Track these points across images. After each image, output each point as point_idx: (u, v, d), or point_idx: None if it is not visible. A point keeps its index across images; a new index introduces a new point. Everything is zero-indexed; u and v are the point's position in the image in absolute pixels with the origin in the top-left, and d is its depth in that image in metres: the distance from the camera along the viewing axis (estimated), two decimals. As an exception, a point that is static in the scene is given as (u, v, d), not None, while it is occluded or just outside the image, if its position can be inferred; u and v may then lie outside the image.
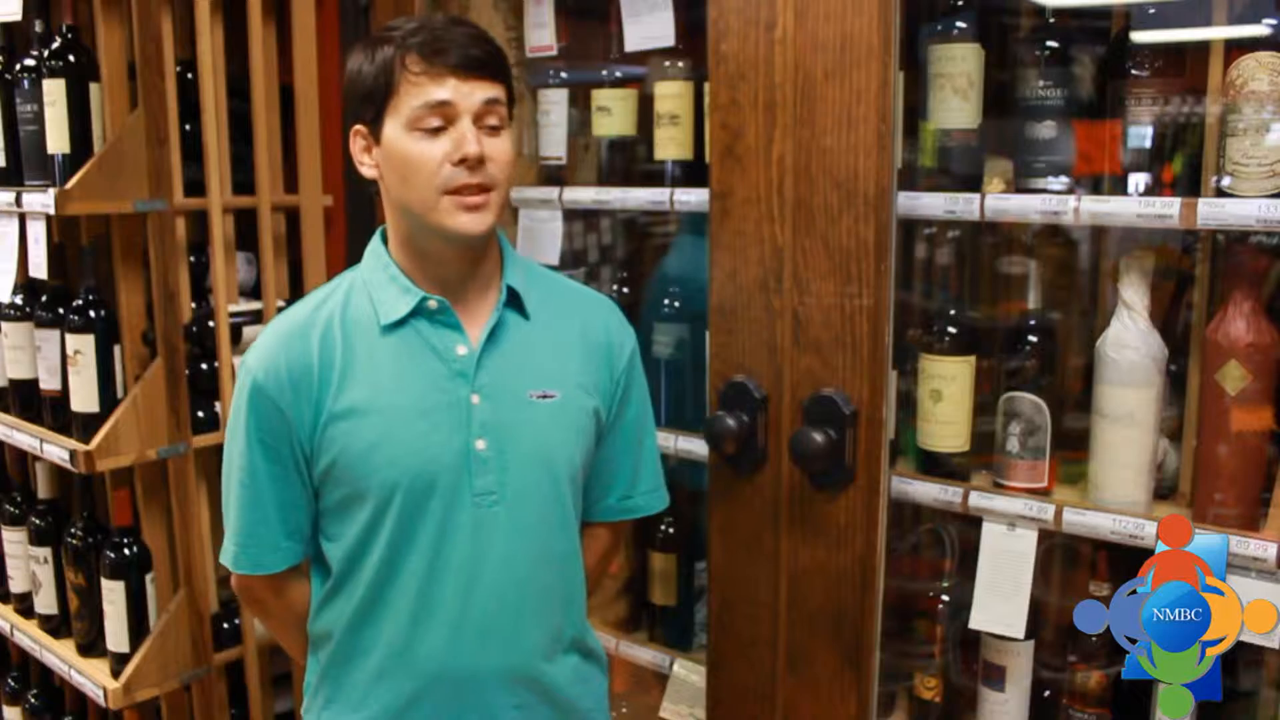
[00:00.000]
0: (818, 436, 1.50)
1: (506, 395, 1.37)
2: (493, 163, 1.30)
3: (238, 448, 1.37)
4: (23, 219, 2.10)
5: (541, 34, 2.03)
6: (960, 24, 1.54)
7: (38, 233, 2.08)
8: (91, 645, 2.24)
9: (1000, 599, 1.53)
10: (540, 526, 1.39)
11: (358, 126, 1.35)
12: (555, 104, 2.00)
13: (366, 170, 1.36)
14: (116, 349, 2.10)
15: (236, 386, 1.37)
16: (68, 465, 2.06)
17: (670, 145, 1.88)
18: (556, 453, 1.39)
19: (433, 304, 1.36)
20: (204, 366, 2.23)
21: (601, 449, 1.49)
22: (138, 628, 2.15)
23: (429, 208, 1.30)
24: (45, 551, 2.33)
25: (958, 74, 1.54)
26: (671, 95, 1.87)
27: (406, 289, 1.36)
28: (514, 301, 1.40)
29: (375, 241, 1.42)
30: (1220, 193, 1.35)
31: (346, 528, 1.37)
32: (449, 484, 1.34)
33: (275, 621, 1.51)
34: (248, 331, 2.27)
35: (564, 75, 2.02)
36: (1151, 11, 1.45)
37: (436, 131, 1.29)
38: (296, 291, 2.41)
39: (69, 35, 2.03)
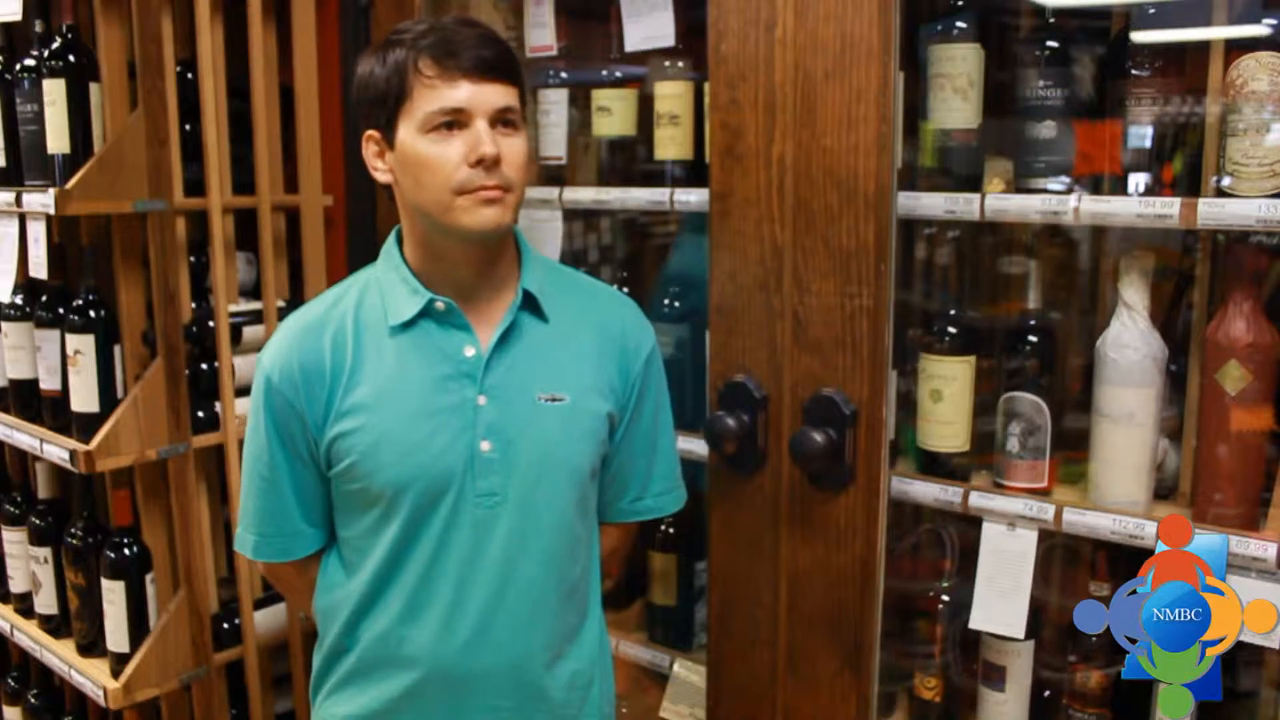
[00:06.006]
0: (818, 436, 1.50)
1: (514, 397, 1.37)
2: (508, 163, 1.30)
3: (257, 442, 1.40)
4: (23, 219, 2.10)
5: (541, 34, 2.03)
6: (960, 24, 1.54)
7: (38, 233, 2.08)
8: (91, 645, 2.24)
9: (1000, 599, 1.53)
10: (544, 530, 1.39)
11: (370, 132, 1.35)
12: (555, 104, 2.00)
13: (381, 175, 1.36)
14: (116, 349, 2.10)
15: (254, 383, 1.40)
16: (68, 465, 2.06)
17: (670, 145, 1.88)
18: (563, 456, 1.39)
19: (440, 305, 1.36)
20: (204, 366, 2.23)
21: (616, 451, 1.48)
22: (138, 628, 2.15)
23: (445, 208, 1.30)
24: (45, 551, 2.33)
25: (958, 74, 1.54)
26: (671, 95, 1.87)
27: (415, 290, 1.36)
28: (530, 304, 1.40)
29: (390, 241, 1.43)
30: (1220, 193, 1.35)
31: (357, 521, 1.40)
32: (454, 485, 1.35)
33: (302, 598, 1.53)
34: (248, 331, 2.27)
35: (564, 75, 2.02)
36: (1151, 11, 1.45)
37: (451, 134, 1.28)
38: (296, 291, 2.41)
39: (69, 35, 2.03)
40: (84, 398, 2.08)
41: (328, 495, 1.43)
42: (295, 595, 1.54)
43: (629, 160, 1.99)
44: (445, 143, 1.28)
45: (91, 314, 2.08)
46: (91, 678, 2.16)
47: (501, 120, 1.30)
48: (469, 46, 1.28)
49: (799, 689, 1.62)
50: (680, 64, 1.88)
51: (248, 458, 1.43)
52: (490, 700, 1.40)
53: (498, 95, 1.30)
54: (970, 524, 1.59)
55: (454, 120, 1.28)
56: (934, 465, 1.62)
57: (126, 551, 2.14)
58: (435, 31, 1.30)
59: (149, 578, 2.17)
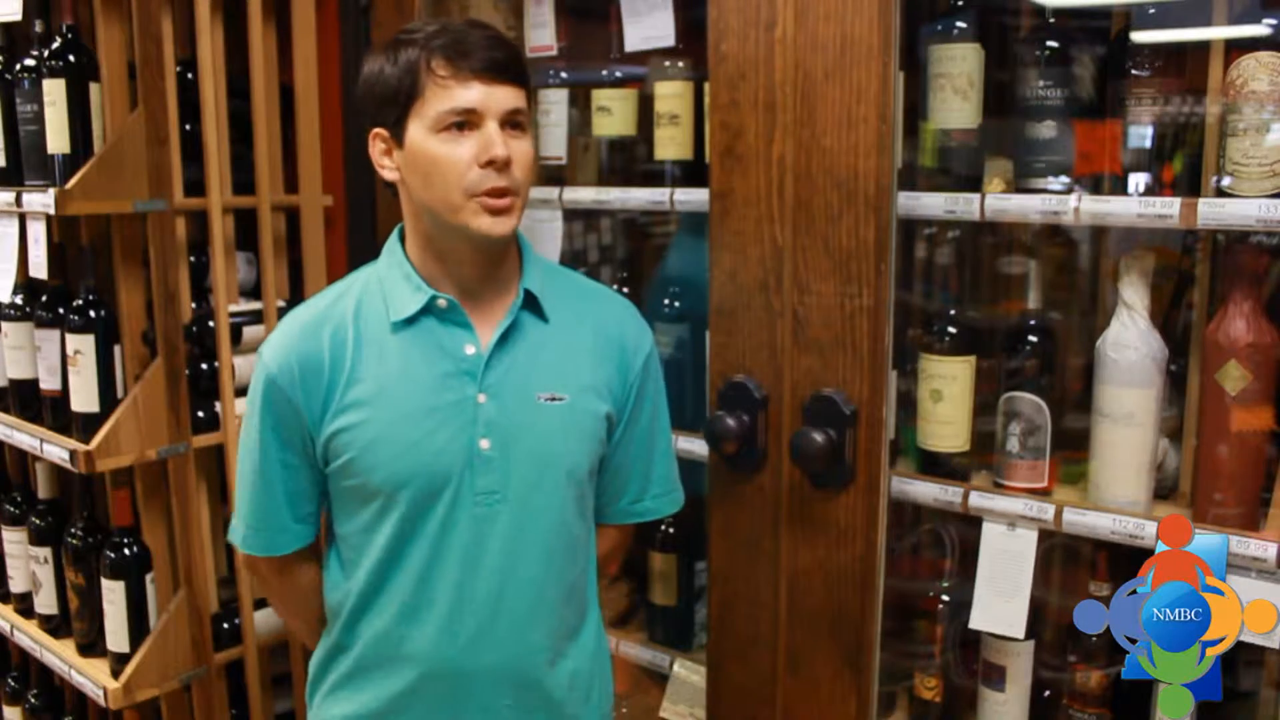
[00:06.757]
0: (818, 436, 1.50)
1: (514, 396, 1.37)
2: (517, 165, 1.31)
3: (253, 437, 1.40)
4: (23, 219, 2.10)
5: (541, 34, 2.03)
6: (960, 24, 1.54)
7: (38, 233, 2.08)
8: (91, 645, 2.24)
9: (1000, 599, 1.53)
10: (542, 528, 1.39)
11: (378, 130, 1.35)
12: (555, 104, 2.01)
13: (387, 173, 1.37)
14: (116, 349, 2.10)
15: (252, 377, 1.40)
16: (68, 465, 2.06)
17: (670, 145, 1.88)
18: (561, 455, 1.39)
19: (442, 303, 1.37)
20: (204, 366, 2.23)
21: (614, 452, 1.48)
22: (138, 628, 2.15)
23: (454, 209, 1.30)
24: (45, 551, 2.33)
25: (958, 74, 1.54)
26: (671, 95, 1.87)
27: (418, 287, 1.37)
28: (531, 304, 1.41)
29: (393, 239, 1.43)
30: (1220, 193, 1.35)
31: (355, 517, 1.40)
32: (453, 483, 1.35)
33: (278, 600, 1.54)
34: (248, 331, 2.27)
35: (564, 75, 2.02)
36: (1151, 11, 1.45)
37: (462, 134, 1.29)
38: (296, 291, 2.41)
39: (69, 35, 2.03)
40: (84, 398, 2.08)
41: (318, 493, 1.43)
42: (271, 595, 1.55)
43: (629, 160, 1.99)
44: (456, 143, 1.29)
45: (91, 314, 2.08)
46: (91, 678, 2.16)
47: (510, 122, 1.32)
48: (481, 47, 1.29)
49: (799, 689, 1.62)
50: (680, 64, 1.88)
51: (242, 450, 1.43)
52: (490, 699, 1.41)
53: (508, 97, 1.31)
54: (970, 524, 1.59)
55: (465, 120, 1.29)
56: (934, 465, 1.62)
57: (126, 551, 2.14)
58: (447, 32, 1.31)
59: (149, 578, 2.17)
